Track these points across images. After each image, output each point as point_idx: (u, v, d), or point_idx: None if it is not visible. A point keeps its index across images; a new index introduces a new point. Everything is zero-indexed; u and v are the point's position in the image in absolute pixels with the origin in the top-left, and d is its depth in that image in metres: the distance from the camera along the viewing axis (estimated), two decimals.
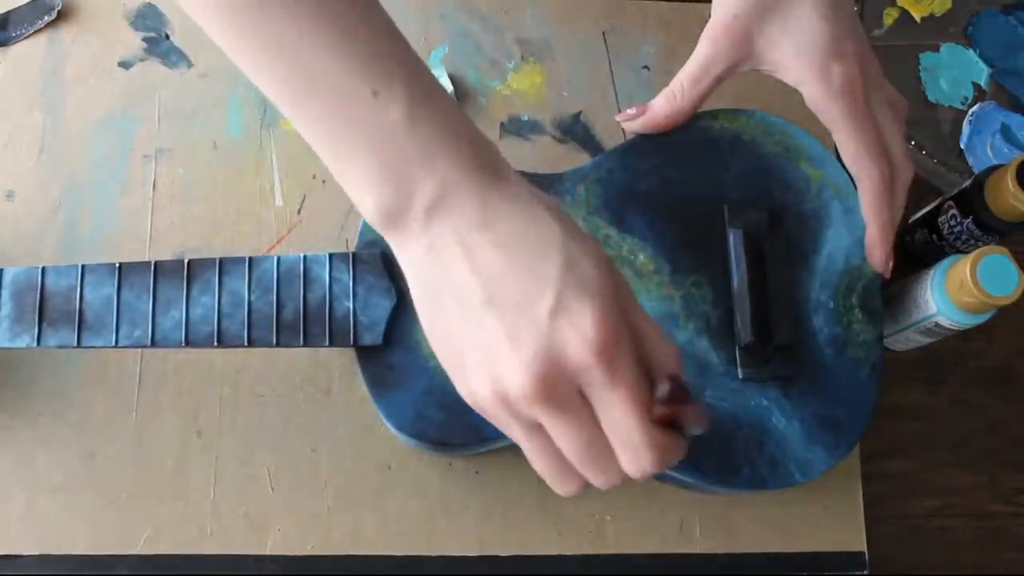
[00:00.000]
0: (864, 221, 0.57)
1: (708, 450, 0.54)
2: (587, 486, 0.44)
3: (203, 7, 0.43)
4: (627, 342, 0.41)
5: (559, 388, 0.40)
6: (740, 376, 0.55)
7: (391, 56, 0.43)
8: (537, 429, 0.42)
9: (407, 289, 0.54)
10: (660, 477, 0.59)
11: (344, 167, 0.43)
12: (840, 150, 0.56)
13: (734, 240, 0.57)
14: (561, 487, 0.44)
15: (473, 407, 0.43)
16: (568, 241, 0.42)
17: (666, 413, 0.41)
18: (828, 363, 0.56)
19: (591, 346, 0.40)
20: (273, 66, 0.42)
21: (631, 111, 0.58)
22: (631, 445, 0.41)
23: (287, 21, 0.42)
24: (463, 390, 0.43)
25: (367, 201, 0.43)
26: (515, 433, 0.43)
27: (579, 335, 0.40)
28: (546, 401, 0.40)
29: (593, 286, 0.41)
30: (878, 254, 0.57)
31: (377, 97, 0.42)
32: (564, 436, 0.41)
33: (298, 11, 0.41)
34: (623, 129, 0.60)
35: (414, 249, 0.43)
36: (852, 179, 0.58)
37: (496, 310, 0.41)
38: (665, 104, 0.57)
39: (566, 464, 0.43)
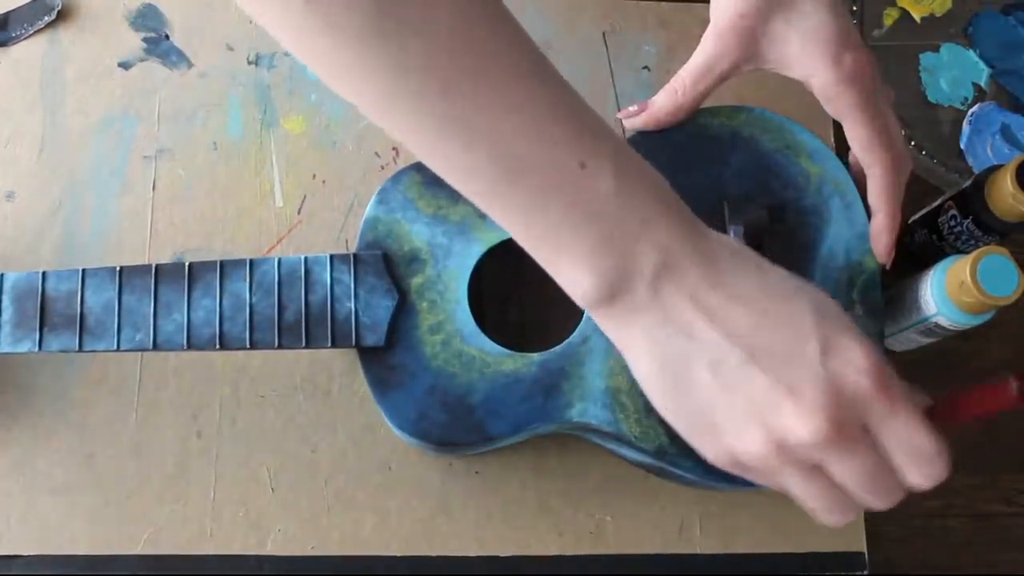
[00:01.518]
0: (866, 213, 0.57)
1: None
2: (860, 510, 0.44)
3: (383, 97, 0.39)
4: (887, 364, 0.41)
5: (847, 426, 0.40)
6: None
7: (586, 124, 0.41)
8: (814, 471, 0.42)
9: (408, 288, 0.55)
10: (663, 475, 0.59)
11: (557, 249, 0.41)
12: (851, 138, 0.56)
13: (734, 236, 0.56)
14: (837, 518, 0.43)
15: (728, 467, 0.43)
16: (798, 280, 0.42)
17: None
18: None
19: (868, 377, 0.40)
20: (470, 157, 0.40)
21: (632, 108, 0.58)
22: (925, 458, 0.41)
23: (476, 107, 0.39)
24: (716, 452, 0.43)
25: (586, 280, 0.41)
26: (789, 480, 0.42)
27: (854, 369, 0.40)
28: (835, 442, 0.40)
29: (844, 319, 0.41)
30: (885, 239, 0.56)
31: (585, 170, 0.40)
32: (850, 471, 0.41)
33: (490, 96, 0.39)
34: (623, 128, 0.60)
35: (646, 320, 0.42)
36: (852, 175, 0.58)
37: (761, 365, 0.40)
38: (667, 100, 0.57)
39: (843, 497, 0.42)
